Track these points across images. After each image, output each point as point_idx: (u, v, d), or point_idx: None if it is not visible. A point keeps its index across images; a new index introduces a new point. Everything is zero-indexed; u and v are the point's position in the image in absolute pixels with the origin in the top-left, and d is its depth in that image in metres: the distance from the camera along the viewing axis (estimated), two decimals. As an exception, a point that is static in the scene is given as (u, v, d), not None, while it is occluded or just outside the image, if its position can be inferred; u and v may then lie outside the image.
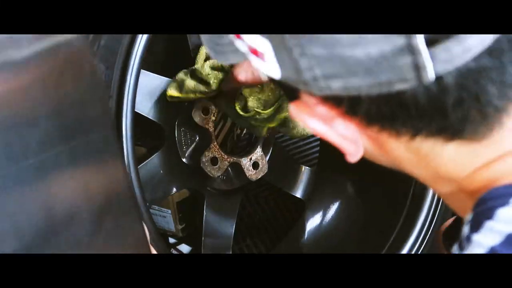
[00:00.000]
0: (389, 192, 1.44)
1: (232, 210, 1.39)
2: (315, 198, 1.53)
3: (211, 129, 1.25)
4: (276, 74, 0.61)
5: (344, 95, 0.60)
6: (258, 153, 1.33)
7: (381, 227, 1.40)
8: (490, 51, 0.57)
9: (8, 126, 0.59)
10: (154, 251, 0.95)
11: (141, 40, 1.05)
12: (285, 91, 0.68)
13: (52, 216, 0.64)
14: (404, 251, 1.35)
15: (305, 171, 1.53)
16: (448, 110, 0.60)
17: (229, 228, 1.39)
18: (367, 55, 0.55)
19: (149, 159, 1.23)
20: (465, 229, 0.62)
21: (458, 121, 0.61)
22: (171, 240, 1.60)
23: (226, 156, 1.28)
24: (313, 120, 0.65)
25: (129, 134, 1.04)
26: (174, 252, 1.58)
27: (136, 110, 1.10)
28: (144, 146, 1.34)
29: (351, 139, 0.65)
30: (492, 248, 0.59)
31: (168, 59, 1.36)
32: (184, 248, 1.63)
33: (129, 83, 1.05)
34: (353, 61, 0.56)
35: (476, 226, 0.61)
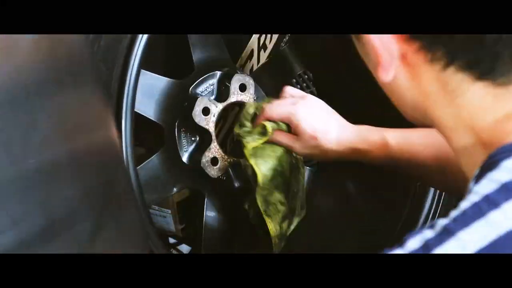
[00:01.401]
0: (389, 192, 1.44)
1: (232, 210, 1.39)
2: (315, 198, 1.52)
3: (211, 129, 1.25)
4: None
5: None
6: (258, 153, 1.33)
7: (381, 227, 1.40)
8: None
9: (8, 126, 0.59)
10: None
11: (141, 40, 1.05)
12: None
13: (52, 216, 0.64)
14: (404, 251, 1.34)
15: (305, 171, 1.53)
16: (487, 42, 0.63)
17: (229, 228, 1.39)
18: None
19: (149, 159, 1.23)
20: (471, 185, 0.64)
21: (491, 58, 0.64)
22: (171, 240, 1.60)
23: (226, 156, 1.28)
24: None
25: (129, 134, 1.04)
26: (174, 252, 1.58)
27: (136, 110, 1.10)
28: (144, 146, 1.34)
29: (389, 52, 0.69)
30: (487, 196, 0.60)
31: (168, 59, 1.36)
32: (184, 248, 1.63)
33: (129, 83, 1.05)
34: None
35: (478, 178, 0.63)
